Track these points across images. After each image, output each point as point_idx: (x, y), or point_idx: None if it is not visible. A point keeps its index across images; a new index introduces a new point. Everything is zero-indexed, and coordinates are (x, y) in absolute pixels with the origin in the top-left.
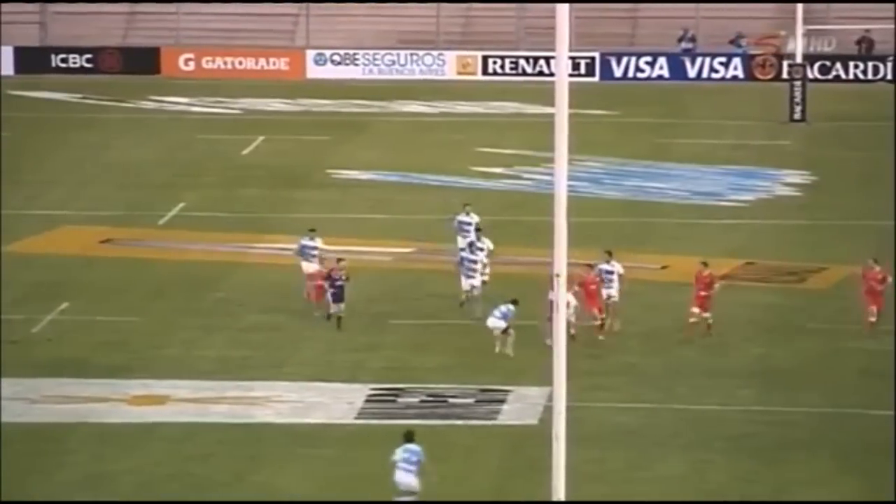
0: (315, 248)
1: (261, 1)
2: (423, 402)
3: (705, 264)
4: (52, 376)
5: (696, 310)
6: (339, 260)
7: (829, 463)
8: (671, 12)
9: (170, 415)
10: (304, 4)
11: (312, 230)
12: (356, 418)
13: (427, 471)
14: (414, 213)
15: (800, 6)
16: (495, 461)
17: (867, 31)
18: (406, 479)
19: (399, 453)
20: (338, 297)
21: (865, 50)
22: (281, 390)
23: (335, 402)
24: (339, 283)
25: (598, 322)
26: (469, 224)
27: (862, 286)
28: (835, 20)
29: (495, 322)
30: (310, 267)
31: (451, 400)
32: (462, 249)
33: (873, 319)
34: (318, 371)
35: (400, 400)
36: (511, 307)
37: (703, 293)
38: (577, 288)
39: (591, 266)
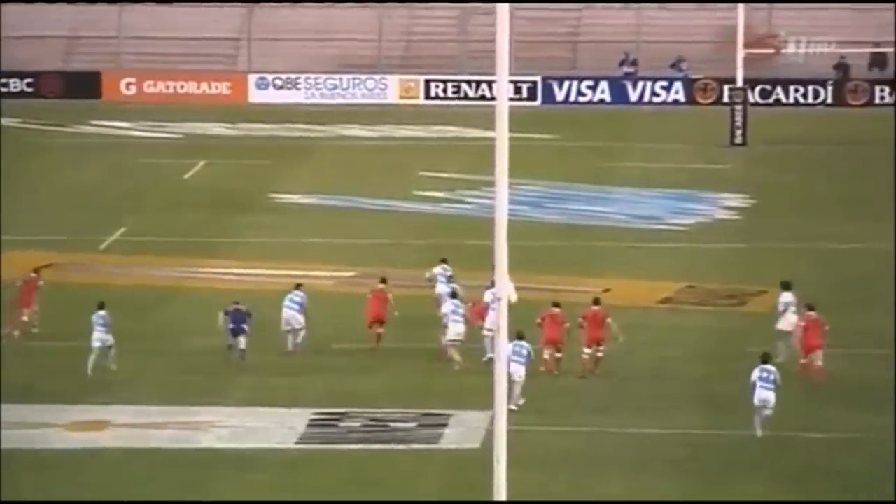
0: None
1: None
2: (364, 426)
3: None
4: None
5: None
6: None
7: (769, 485)
8: (612, 36)
9: (110, 440)
10: (245, 28)
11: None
12: (297, 443)
13: None
14: (356, 237)
15: (740, 30)
16: (437, 485)
17: (843, 56)
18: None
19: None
20: (238, 332)
21: (843, 74)
22: (222, 415)
23: (277, 427)
24: (240, 319)
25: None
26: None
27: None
28: (775, 43)
29: (517, 368)
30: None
31: (392, 424)
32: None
33: (805, 362)
34: (260, 395)
35: (342, 424)
36: (524, 344)
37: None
38: (581, 321)
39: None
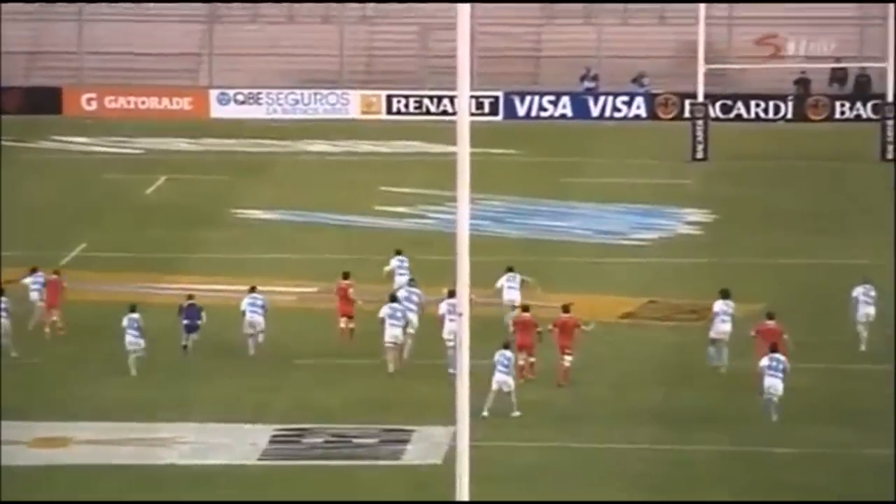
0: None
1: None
2: (327, 442)
3: (566, 309)
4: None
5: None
6: (189, 296)
7: (730, 501)
8: (574, 51)
9: (72, 457)
10: (206, 44)
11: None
12: (259, 459)
13: None
14: (318, 253)
15: (701, 45)
16: (399, 501)
17: (803, 72)
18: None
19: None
20: (192, 328)
21: (803, 89)
22: (184, 431)
23: (238, 443)
24: (193, 315)
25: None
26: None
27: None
28: (736, 59)
29: (504, 377)
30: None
31: (355, 440)
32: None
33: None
34: (222, 411)
35: (304, 440)
36: (509, 354)
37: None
38: (551, 327)
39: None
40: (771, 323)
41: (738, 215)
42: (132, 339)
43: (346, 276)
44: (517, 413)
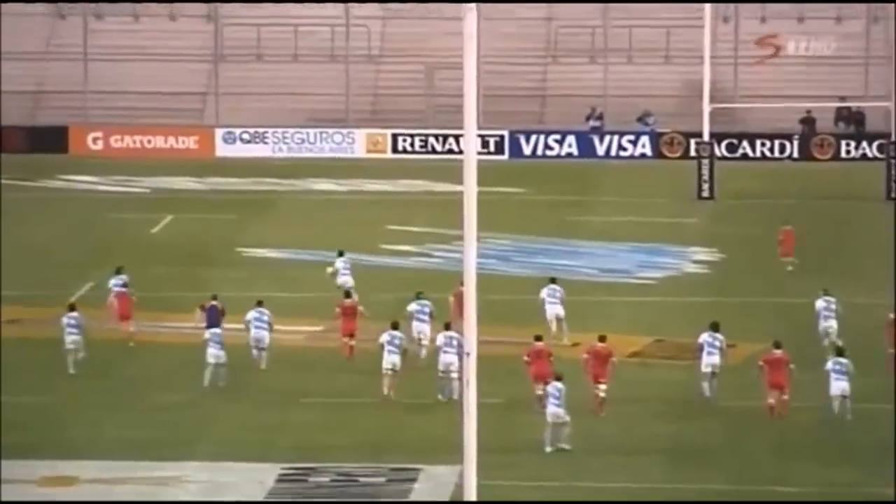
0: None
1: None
2: (333, 481)
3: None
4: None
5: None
6: (213, 297)
7: None
8: (579, 91)
9: (78, 495)
10: (212, 83)
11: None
12: (266, 498)
13: None
14: (324, 292)
15: (706, 84)
16: None
17: (809, 111)
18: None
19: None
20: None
21: (809, 128)
22: (190, 470)
23: (245, 482)
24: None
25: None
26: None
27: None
28: (741, 98)
29: (556, 409)
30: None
31: (361, 479)
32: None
33: (772, 401)
34: (228, 450)
35: (311, 479)
36: (560, 385)
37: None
38: (585, 356)
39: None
40: (778, 352)
41: (744, 254)
42: (214, 353)
43: (347, 294)
44: (567, 446)
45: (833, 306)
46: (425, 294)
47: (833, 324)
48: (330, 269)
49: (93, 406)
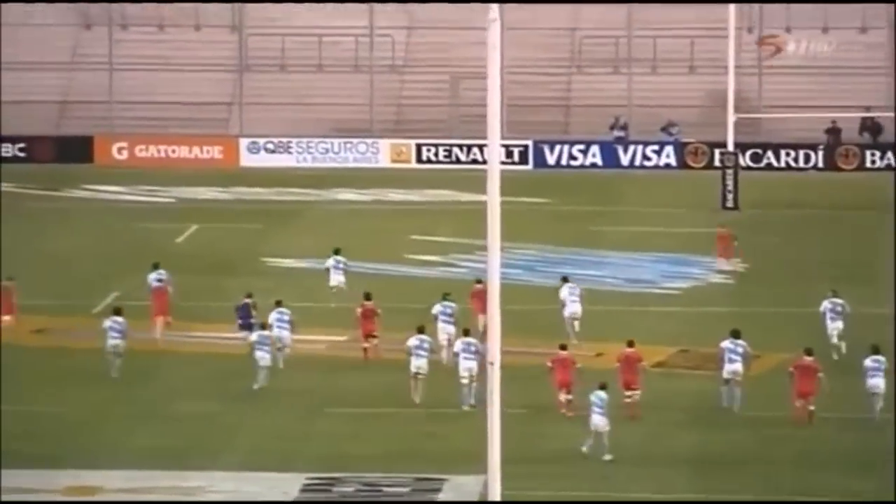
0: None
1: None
2: (358, 491)
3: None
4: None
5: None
6: (248, 294)
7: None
8: (603, 100)
9: None
10: (236, 93)
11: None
12: None
13: None
14: (348, 301)
15: (730, 94)
16: None
17: (834, 121)
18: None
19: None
20: (245, 327)
21: (834, 139)
22: (215, 480)
23: (270, 492)
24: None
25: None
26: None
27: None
28: (765, 108)
29: (600, 419)
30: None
31: (386, 489)
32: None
33: (800, 406)
34: (253, 460)
35: (335, 489)
36: (602, 394)
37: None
38: (616, 363)
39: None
40: (809, 359)
41: (769, 264)
42: (261, 355)
43: (367, 297)
44: (609, 457)
45: (839, 308)
46: (451, 297)
47: (840, 325)
48: (325, 265)
49: (118, 416)
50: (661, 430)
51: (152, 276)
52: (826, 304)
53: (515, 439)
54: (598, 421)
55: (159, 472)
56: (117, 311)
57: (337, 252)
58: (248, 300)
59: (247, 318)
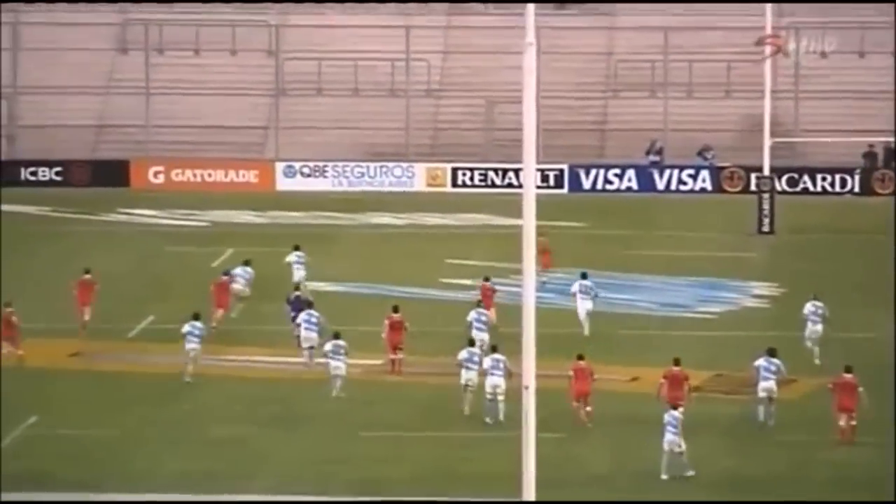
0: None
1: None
2: None
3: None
4: (19, 490)
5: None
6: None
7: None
8: (639, 125)
9: None
10: (272, 116)
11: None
12: None
13: None
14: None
15: (766, 118)
16: None
17: (871, 145)
18: None
19: None
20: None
21: (870, 163)
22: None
23: None
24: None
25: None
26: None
27: (835, 395)
28: (801, 133)
29: (674, 437)
30: None
31: None
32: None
33: (842, 424)
34: (288, 484)
35: None
36: (677, 414)
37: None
38: (661, 381)
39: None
40: (848, 376)
41: (805, 289)
42: (336, 364)
43: (395, 309)
44: (691, 472)
45: (820, 311)
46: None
47: (819, 328)
48: (287, 259)
49: (153, 439)
50: (696, 453)
51: (237, 271)
52: (808, 308)
53: (550, 463)
54: (673, 440)
55: (193, 495)
56: (196, 317)
57: (297, 248)
58: (298, 293)
59: (299, 311)
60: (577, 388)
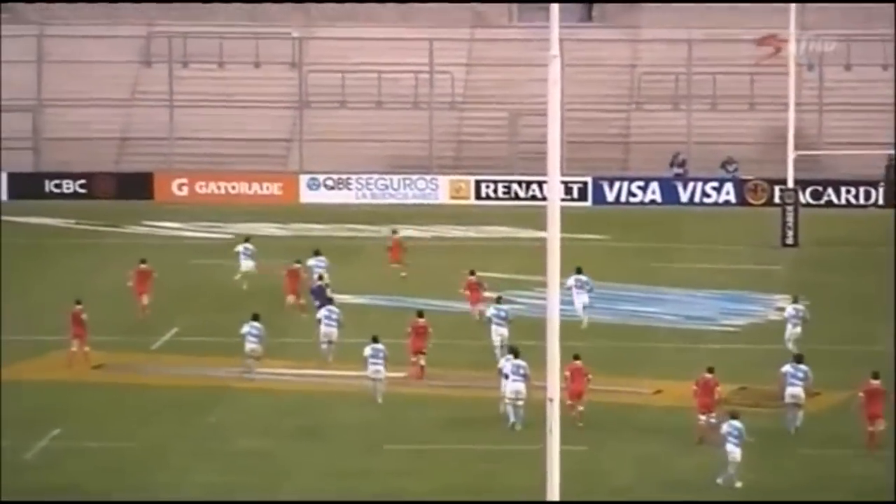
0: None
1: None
2: None
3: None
4: (43, 502)
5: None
6: (320, 277)
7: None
8: (663, 137)
9: None
10: (296, 129)
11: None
12: None
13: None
14: (406, 338)
15: (790, 131)
16: None
17: (894, 157)
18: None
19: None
20: (324, 305)
21: (894, 175)
22: None
23: None
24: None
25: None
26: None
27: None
28: (825, 145)
29: (734, 448)
30: None
31: None
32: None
33: (871, 429)
34: (312, 497)
35: None
36: (737, 423)
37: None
38: (694, 387)
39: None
40: (875, 383)
41: (829, 302)
42: (375, 368)
43: (420, 314)
44: (739, 484)
45: (801, 314)
46: (504, 299)
47: (798, 330)
48: (309, 263)
49: (177, 451)
50: (718, 468)
51: (312, 262)
52: (790, 310)
53: (574, 477)
54: (734, 451)
55: None
56: (255, 317)
57: (247, 239)
58: (321, 282)
59: (323, 299)
60: (572, 388)
